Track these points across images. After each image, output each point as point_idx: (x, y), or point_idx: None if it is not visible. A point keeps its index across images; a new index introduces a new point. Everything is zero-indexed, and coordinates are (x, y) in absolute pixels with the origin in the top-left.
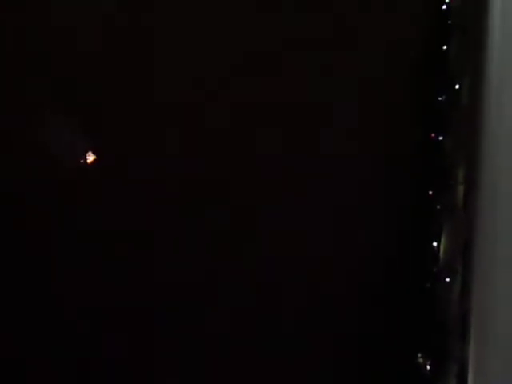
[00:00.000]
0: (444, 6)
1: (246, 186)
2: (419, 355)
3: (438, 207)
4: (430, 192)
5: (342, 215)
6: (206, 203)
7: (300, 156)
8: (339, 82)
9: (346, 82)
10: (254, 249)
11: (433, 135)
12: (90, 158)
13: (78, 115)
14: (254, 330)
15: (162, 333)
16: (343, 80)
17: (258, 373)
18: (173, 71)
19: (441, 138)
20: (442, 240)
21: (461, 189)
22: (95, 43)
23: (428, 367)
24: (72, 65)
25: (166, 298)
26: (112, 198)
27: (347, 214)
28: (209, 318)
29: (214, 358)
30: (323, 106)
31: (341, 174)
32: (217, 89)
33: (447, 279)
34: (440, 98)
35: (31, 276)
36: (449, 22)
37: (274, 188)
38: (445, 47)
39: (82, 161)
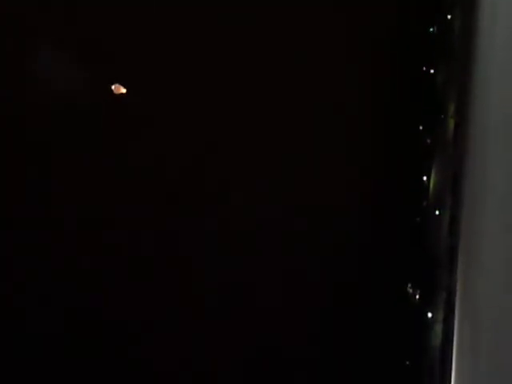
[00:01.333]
0: None
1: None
2: (409, 285)
3: (429, 141)
4: (421, 127)
5: (333, 152)
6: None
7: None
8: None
9: (336, 20)
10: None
11: (424, 68)
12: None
13: None
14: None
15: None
16: (337, 14)
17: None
18: None
19: (432, 71)
20: (432, 174)
21: (451, 123)
22: None
23: (417, 296)
24: None
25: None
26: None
27: (338, 151)
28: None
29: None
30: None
31: (334, 116)
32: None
33: (436, 212)
34: (431, 30)
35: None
36: None
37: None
38: None
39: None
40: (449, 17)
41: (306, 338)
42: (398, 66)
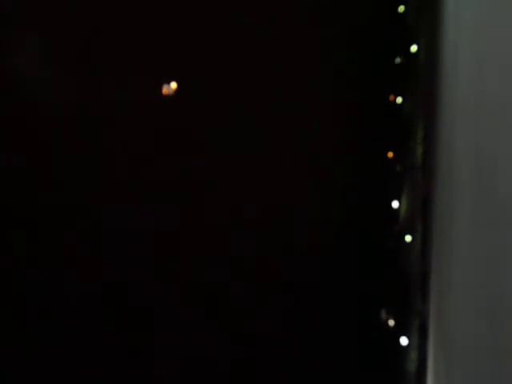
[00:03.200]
0: None
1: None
2: (383, 312)
3: (398, 168)
4: (390, 153)
5: (301, 177)
6: None
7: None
8: (295, 42)
9: (302, 45)
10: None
11: (391, 97)
12: None
13: None
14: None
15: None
16: (299, 41)
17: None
18: None
19: (399, 99)
20: (402, 200)
21: (419, 149)
22: None
23: (391, 322)
24: None
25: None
26: None
27: (306, 176)
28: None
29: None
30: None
31: (299, 137)
32: None
33: (407, 237)
34: (398, 60)
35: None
36: None
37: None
38: (401, 8)
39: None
40: (414, 47)
41: (275, 361)
42: (365, 94)
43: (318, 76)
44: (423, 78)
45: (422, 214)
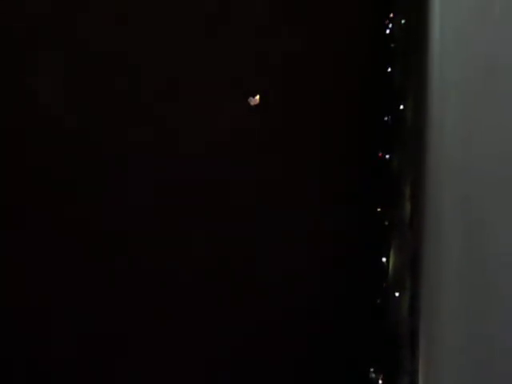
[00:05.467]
0: (387, 31)
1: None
2: (371, 370)
3: (387, 223)
4: (379, 209)
5: (293, 232)
6: None
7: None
8: (287, 100)
9: (296, 103)
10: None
11: (380, 154)
12: None
13: None
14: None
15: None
16: (292, 100)
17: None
18: None
19: (388, 156)
20: (391, 256)
21: (408, 205)
22: None
23: (380, 381)
24: None
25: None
26: None
27: (299, 232)
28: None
29: None
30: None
31: (291, 198)
32: None
33: (396, 294)
34: (386, 119)
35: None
36: (392, 45)
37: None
38: (389, 70)
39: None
40: (401, 107)
41: None
42: (355, 151)
43: (311, 133)
44: (410, 136)
45: (411, 271)
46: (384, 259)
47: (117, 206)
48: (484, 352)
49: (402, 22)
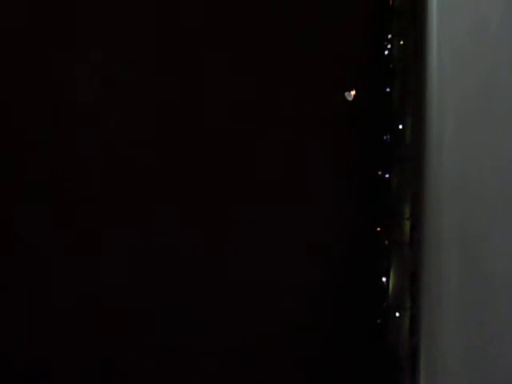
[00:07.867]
0: (386, 52)
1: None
2: None
3: (386, 243)
4: (378, 228)
5: (292, 252)
6: None
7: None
8: (286, 122)
9: (294, 122)
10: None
11: (380, 173)
12: None
13: None
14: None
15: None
16: (290, 118)
17: None
18: None
19: (387, 175)
20: (391, 275)
21: (407, 225)
22: None
23: None
24: None
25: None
26: None
27: (296, 251)
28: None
29: None
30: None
31: (291, 213)
32: None
33: (397, 314)
34: (385, 138)
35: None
36: (390, 66)
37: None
38: (387, 90)
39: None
40: (400, 126)
41: None
42: (354, 170)
43: (309, 153)
44: (409, 155)
45: (411, 291)
46: (384, 279)
47: (117, 206)
48: (485, 373)
49: (401, 42)
